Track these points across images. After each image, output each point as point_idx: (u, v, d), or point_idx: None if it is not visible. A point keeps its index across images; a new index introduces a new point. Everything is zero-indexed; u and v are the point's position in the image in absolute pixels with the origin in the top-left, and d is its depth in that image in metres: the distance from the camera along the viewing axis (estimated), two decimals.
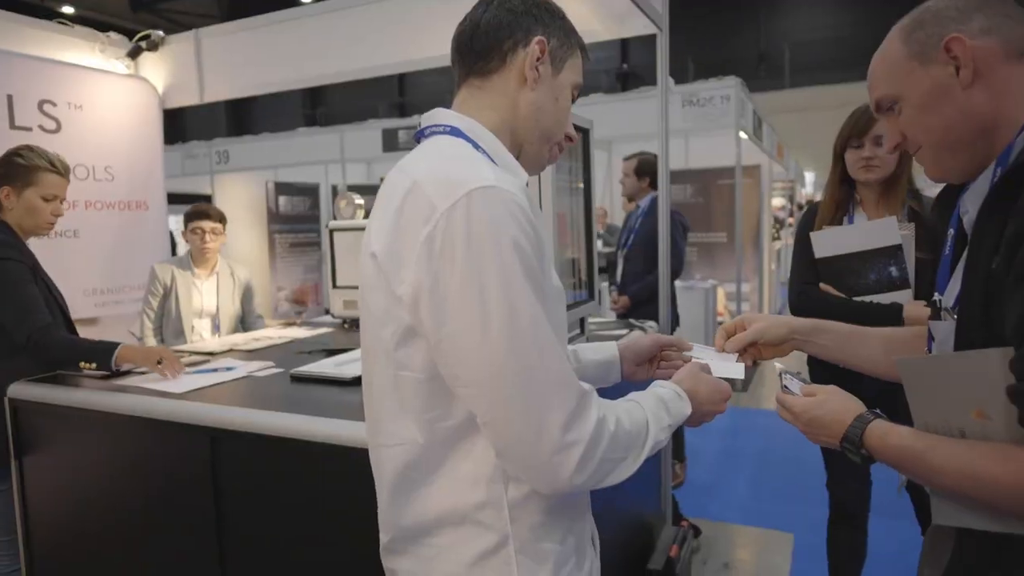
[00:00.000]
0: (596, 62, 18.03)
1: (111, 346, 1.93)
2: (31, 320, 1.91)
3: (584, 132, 1.98)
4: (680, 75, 13.97)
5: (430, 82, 17.16)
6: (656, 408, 0.96)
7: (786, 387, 1.05)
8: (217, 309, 3.15)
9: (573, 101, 1.06)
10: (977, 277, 0.82)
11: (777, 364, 1.13)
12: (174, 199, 5.42)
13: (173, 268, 3.09)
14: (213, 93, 3.53)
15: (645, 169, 3.97)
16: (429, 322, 0.83)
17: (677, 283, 5.90)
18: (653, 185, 4.03)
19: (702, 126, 5.63)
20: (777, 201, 12.43)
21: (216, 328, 3.15)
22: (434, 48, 2.83)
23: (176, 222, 3.89)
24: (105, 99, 3.35)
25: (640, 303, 3.73)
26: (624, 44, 17.48)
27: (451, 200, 0.81)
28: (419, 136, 1.00)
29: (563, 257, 2.05)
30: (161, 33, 3.60)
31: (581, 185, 2.02)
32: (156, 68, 3.63)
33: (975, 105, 0.86)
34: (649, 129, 6.11)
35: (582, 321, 2.03)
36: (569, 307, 1.92)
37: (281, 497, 1.54)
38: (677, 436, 3.81)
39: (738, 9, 18.11)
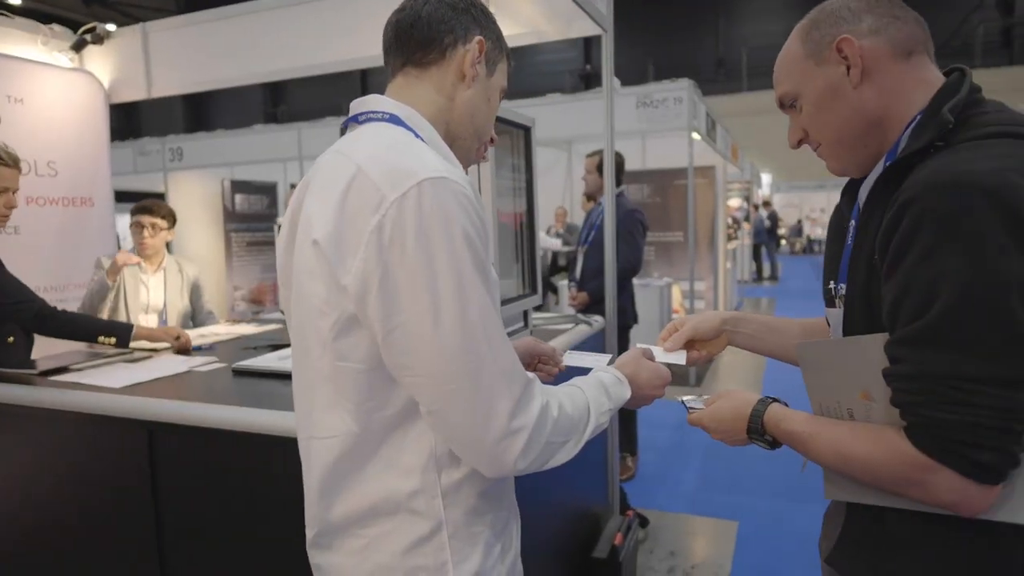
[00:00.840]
0: (559, 62, 18.17)
1: (127, 325, 2.19)
2: (34, 296, 2.04)
3: (525, 130, 2.03)
4: (640, 77, 14.17)
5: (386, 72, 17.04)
6: (597, 393, 1.00)
7: (691, 408, 1.09)
8: (164, 305, 3.11)
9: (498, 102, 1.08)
10: (860, 265, 0.88)
11: (679, 398, 1.16)
12: (125, 197, 5.31)
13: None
14: (161, 88, 3.48)
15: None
16: (378, 313, 0.82)
17: (634, 281, 6.04)
18: (617, 181, 4.11)
19: (656, 127, 5.74)
20: (734, 202, 12.70)
21: (163, 324, 3.11)
22: None
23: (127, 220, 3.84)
24: (48, 93, 3.27)
25: (599, 299, 3.78)
26: (587, 44, 17.65)
27: (401, 189, 0.81)
28: (352, 122, 0.99)
29: (507, 252, 2.09)
30: (106, 26, 3.53)
31: (524, 182, 2.06)
32: (102, 62, 3.56)
33: (865, 103, 0.90)
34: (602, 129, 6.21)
35: (525, 314, 2.07)
36: (512, 300, 1.97)
37: (221, 489, 1.54)
38: (629, 430, 3.88)
39: (698, 14, 18.45)
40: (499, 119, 1.90)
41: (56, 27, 3.52)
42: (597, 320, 2.61)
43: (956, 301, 0.73)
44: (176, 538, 1.60)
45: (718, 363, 6.74)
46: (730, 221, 10.74)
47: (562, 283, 6.54)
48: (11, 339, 2.25)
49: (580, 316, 2.64)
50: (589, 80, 17.94)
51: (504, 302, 1.93)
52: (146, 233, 3.00)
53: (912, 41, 0.90)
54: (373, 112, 0.97)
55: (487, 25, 1.02)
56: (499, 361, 0.83)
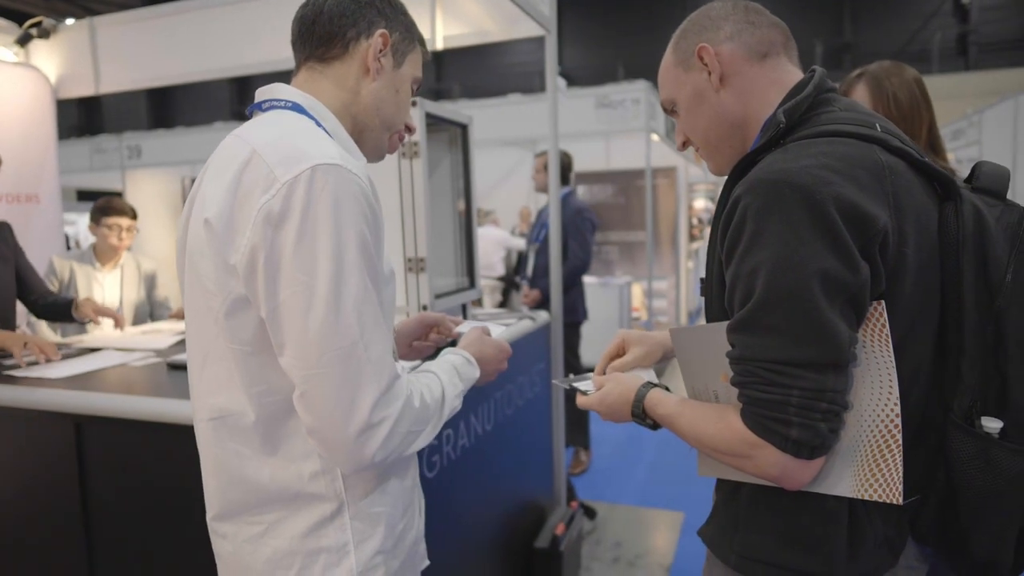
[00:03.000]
0: (528, 63, 18.26)
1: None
2: None
3: (463, 128, 2.06)
4: (610, 77, 14.30)
5: None
6: (451, 377, 1.04)
7: (578, 390, 1.12)
8: (120, 302, 3.09)
9: (414, 94, 1.10)
10: (713, 257, 0.93)
11: (554, 381, 1.19)
12: (86, 196, 5.21)
13: (72, 262, 3.01)
14: (110, 83, 3.44)
15: None
16: (261, 292, 0.83)
17: (592, 280, 6.11)
18: (564, 180, 4.17)
19: (614, 128, 5.82)
20: (700, 203, 12.88)
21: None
22: None
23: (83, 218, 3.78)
24: None
25: (549, 297, 3.85)
26: (561, 48, 17.76)
27: (293, 172, 0.81)
28: (255, 109, 0.99)
29: (445, 247, 2.13)
30: (53, 20, 3.48)
31: (462, 179, 2.10)
32: (48, 57, 3.51)
33: (726, 106, 0.96)
34: (570, 128, 6.25)
35: (464, 308, 2.11)
36: (450, 293, 2.00)
37: (149, 481, 1.55)
38: (583, 425, 3.94)
39: (666, 15, 18.65)
40: (437, 118, 1.93)
41: (1, 21, 3.46)
42: (541, 315, 2.66)
43: (768, 290, 0.78)
44: (104, 531, 1.60)
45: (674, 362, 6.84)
46: (695, 222, 10.91)
47: (523, 280, 6.60)
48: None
49: (525, 311, 2.68)
50: (567, 82, 18.02)
51: (441, 296, 1.97)
52: (124, 236, 2.98)
53: (766, 44, 0.95)
54: (276, 100, 0.97)
55: (393, 17, 1.02)
56: (370, 350, 0.84)
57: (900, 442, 0.80)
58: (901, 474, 0.80)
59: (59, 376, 1.75)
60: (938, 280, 0.85)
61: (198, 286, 0.91)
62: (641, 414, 1.01)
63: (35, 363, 1.90)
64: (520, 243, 7.79)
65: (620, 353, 1.20)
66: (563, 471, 2.85)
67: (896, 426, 0.80)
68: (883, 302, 0.80)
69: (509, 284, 6.92)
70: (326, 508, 0.93)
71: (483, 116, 8.30)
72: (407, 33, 1.05)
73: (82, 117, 18.56)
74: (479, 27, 2.78)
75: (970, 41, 14.91)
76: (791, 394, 0.77)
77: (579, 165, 7.57)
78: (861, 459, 0.82)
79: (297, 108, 0.96)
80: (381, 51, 1.00)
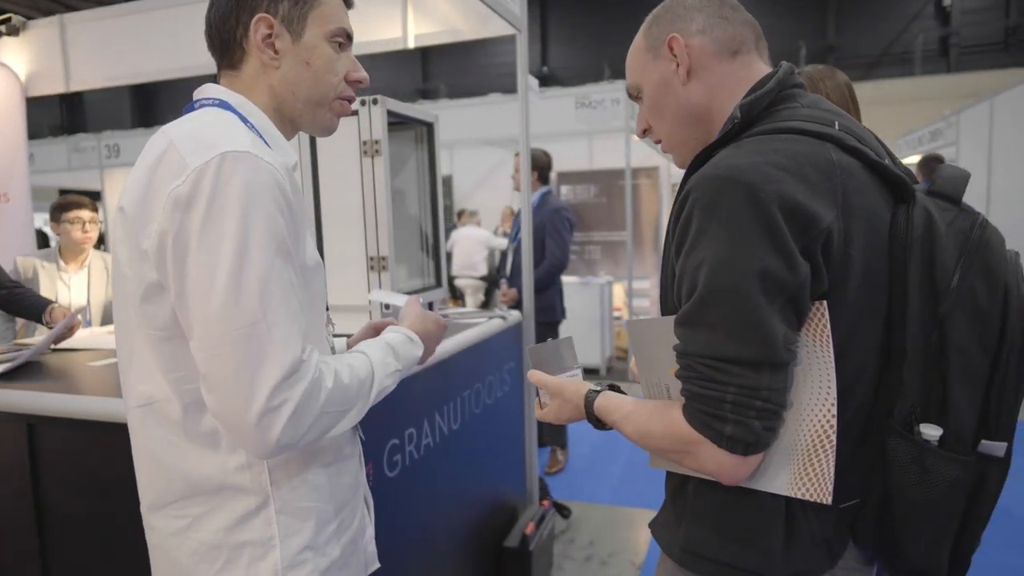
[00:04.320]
0: (515, 64, 18.25)
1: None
2: None
3: (428, 126, 2.06)
4: (596, 77, 14.33)
5: None
6: (384, 356, 1.01)
7: (544, 402, 1.11)
8: (88, 303, 3.05)
9: (344, 47, 1.03)
10: (668, 252, 0.93)
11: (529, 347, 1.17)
12: (63, 195, 5.17)
13: (37, 261, 2.97)
14: (80, 81, 3.41)
15: (533, 164, 4.10)
16: (171, 274, 0.84)
17: (574, 279, 6.13)
18: (542, 180, 4.18)
19: (594, 128, 5.84)
20: None
21: (87, 323, 3.05)
22: (384, 31, 2.83)
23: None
24: None
25: (522, 296, 3.85)
26: (544, 45, 17.77)
27: (204, 159, 0.82)
28: (188, 109, 0.99)
29: (412, 245, 2.12)
30: (22, 18, 3.44)
31: (428, 177, 2.10)
32: (18, 54, 3.47)
33: (692, 99, 0.95)
34: (551, 128, 6.25)
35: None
36: (418, 292, 2.00)
37: (104, 481, 1.53)
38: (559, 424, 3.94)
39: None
40: (402, 116, 1.93)
41: None
42: (513, 315, 2.66)
43: (708, 287, 0.79)
44: (58, 531, 1.58)
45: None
46: None
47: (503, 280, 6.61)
48: None
49: (498, 311, 2.68)
50: (545, 81, 18.07)
51: (408, 294, 1.96)
52: (88, 228, 2.94)
53: (737, 41, 0.95)
54: (206, 99, 0.98)
55: None
56: (273, 331, 0.82)
57: (834, 443, 0.80)
58: (832, 475, 0.80)
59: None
60: (886, 283, 0.84)
61: (117, 273, 0.92)
62: (594, 420, 1.01)
63: None
64: (502, 243, 7.80)
65: None
66: (536, 470, 2.85)
67: (832, 427, 0.80)
68: (825, 302, 0.80)
69: (492, 284, 6.93)
70: (251, 501, 0.92)
71: (466, 116, 8.30)
72: None
73: (64, 117, 18.37)
74: (451, 26, 2.78)
75: (951, 43, 15.06)
76: (727, 391, 0.78)
77: (562, 165, 7.59)
78: (798, 458, 0.82)
79: (224, 105, 0.96)
80: (268, 36, 0.97)
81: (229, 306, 0.81)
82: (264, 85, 0.99)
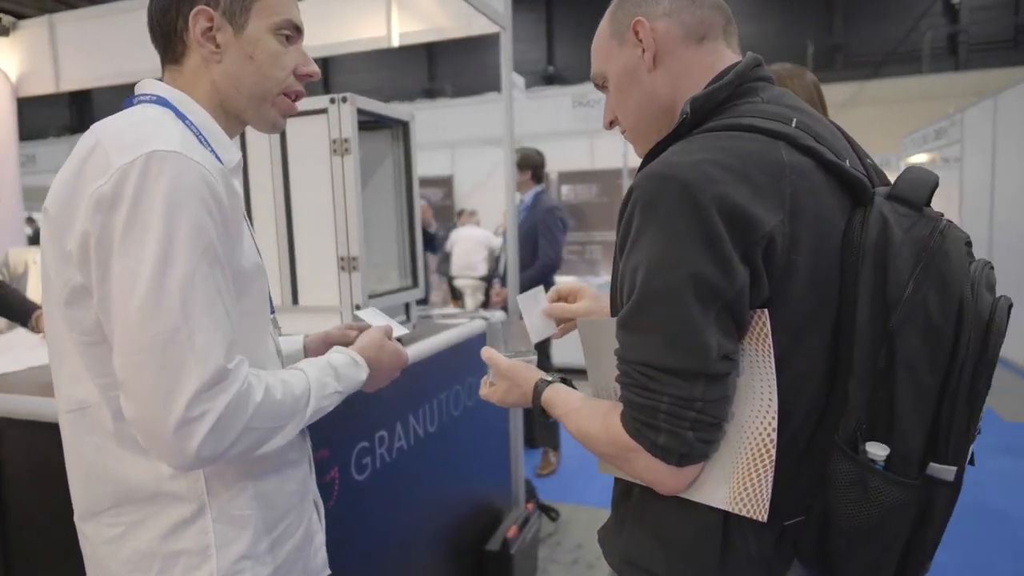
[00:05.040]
0: (523, 63, 18.26)
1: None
2: None
3: (404, 125, 2.04)
4: None
5: (358, 67, 16.90)
6: (322, 375, 0.99)
7: (491, 381, 1.09)
8: None
9: (292, 40, 1.00)
10: (617, 251, 0.91)
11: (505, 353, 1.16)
12: None
13: (29, 256, 2.97)
14: (69, 81, 3.42)
15: (525, 163, 4.08)
16: (94, 278, 0.82)
17: (574, 279, 6.09)
18: (535, 179, 4.15)
19: (592, 127, 5.80)
20: None
21: None
22: (368, 29, 2.81)
23: None
24: None
25: (508, 296, 3.83)
26: (550, 45, 17.74)
27: (129, 158, 0.80)
28: (127, 105, 0.95)
29: (388, 245, 2.10)
30: (12, 19, 3.45)
31: (404, 176, 2.07)
32: (8, 55, 3.48)
33: (658, 87, 0.90)
34: (550, 127, 6.22)
35: (407, 306, 2.08)
36: (388, 293, 1.97)
37: (65, 482, 1.52)
38: (552, 425, 3.91)
39: None
40: (377, 116, 1.90)
41: None
42: (496, 315, 2.63)
43: (643, 291, 0.75)
44: (22, 534, 1.57)
45: None
46: None
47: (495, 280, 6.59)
48: None
49: (484, 312, 2.66)
50: (551, 81, 18.01)
51: (383, 294, 1.94)
52: None
53: (705, 26, 0.89)
54: (144, 94, 0.95)
55: None
56: (195, 338, 0.79)
57: (773, 458, 0.76)
58: (769, 492, 0.77)
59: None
60: (836, 291, 0.79)
61: (45, 275, 0.90)
62: (540, 412, 0.98)
63: None
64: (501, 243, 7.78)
65: (571, 300, 1.20)
66: (521, 472, 2.82)
67: (771, 441, 0.76)
68: (766, 311, 0.75)
69: (491, 284, 6.90)
70: (186, 509, 0.90)
71: (466, 115, 8.28)
72: None
73: (73, 117, 18.50)
74: (435, 24, 2.76)
75: (960, 41, 14.91)
76: (661, 400, 0.75)
77: (563, 164, 7.55)
78: (738, 472, 0.79)
79: (161, 101, 0.93)
80: (208, 30, 0.93)
81: (149, 311, 0.78)
82: (206, 80, 0.96)
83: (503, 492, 2.71)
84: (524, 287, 3.76)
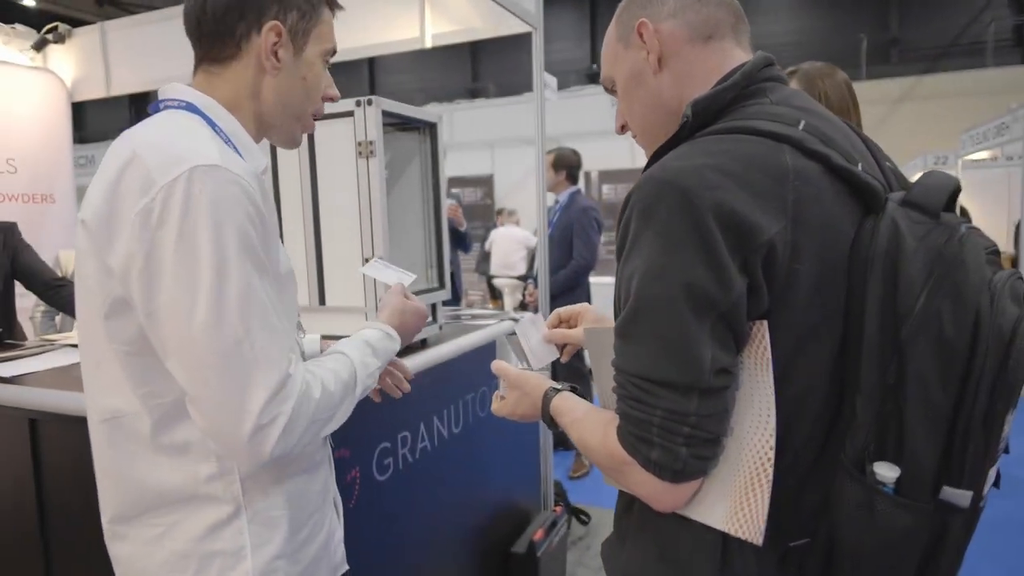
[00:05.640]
0: (566, 62, 18.17)
1: None
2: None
3: (431, 126, 2.04)
4: None
5: (403, 67, 17.10)
6: (363, 356, 1.02)
7: (502, 395, 1.08)
8: None
9: (327, 64, 1.03)
10: (617, 255, 0.88)
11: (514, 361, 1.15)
12: None
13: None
14: (119, 86, 3.55)
15: (561, 163, 4.07)
16: (141, 293, 0.82)
17: (608, 280, 6.02)
18: (571, 179, 4.13)
19: None
20: None
21: None
22: (402, 31, 2.85)
23: None
24: (7, 91, 3.35)
25: (555, 295, 3.80)
26: (594, 44, 17.61)
27: (171, 175, 0.80)
28: (154, 110, 0.96)
29: (415, 246, 2.11)
30: (68, 26, 3.60)
31: (431, 177, 2.08)
32: (64, 61, 3.63)
33: (664, 89, 0.87)
34: (594, 127, 6.16)
35: (433, 307, 2.09)
36: (420, 293, 1.98)
37: None
38: None
39: None
40: (404, 118, 1.91)
41: (19, 27, 3.59)
42: (526, 316, 2.62)
43: (637, 300, 0.73)
44: (60, 527, 1.63)
45: None
46: None
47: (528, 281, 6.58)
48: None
49: (511, 313, 2.65)
50: (595, 78, 17.88)
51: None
52: None
53: (711, 24, 0.86)
54: (171, 100, 0.94)
55: None
56: (256, 347, 0.82)
57: (771, 477, 0.73)
58: (765, 513, 0.73)
59: (9, 374, 1.78)
60: (842, 302, 0.75)
61: (81, 285, 0.91)
62: (550, 423, 0.96)
63: None
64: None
65: (572, 324, 1.17)
66: (551, 475, 2.80)
67: (768, 460, 0.73)
68: (765, 322, 0.72)
69: (527, 283, 6.90)
70: (222, 511, 0.92)
71: (506, 115, 8.28)
72: (308, 7, 0.97)
73: (132, 120, 19.15)
74: (467, 25, 2.76)
75: None
76: (654, 414, 0.72)
77: (604, 163, 7.48)
78: (736, 490, 0.75)
79: (191, 108, 0.93)
80: (275, 44, 0.94)
81: (211, 328, 0.80)
82: (249, 88, 0.96)
83: (531, 494, 2.70)
84: (558, 288, 3.76)
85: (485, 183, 9.08)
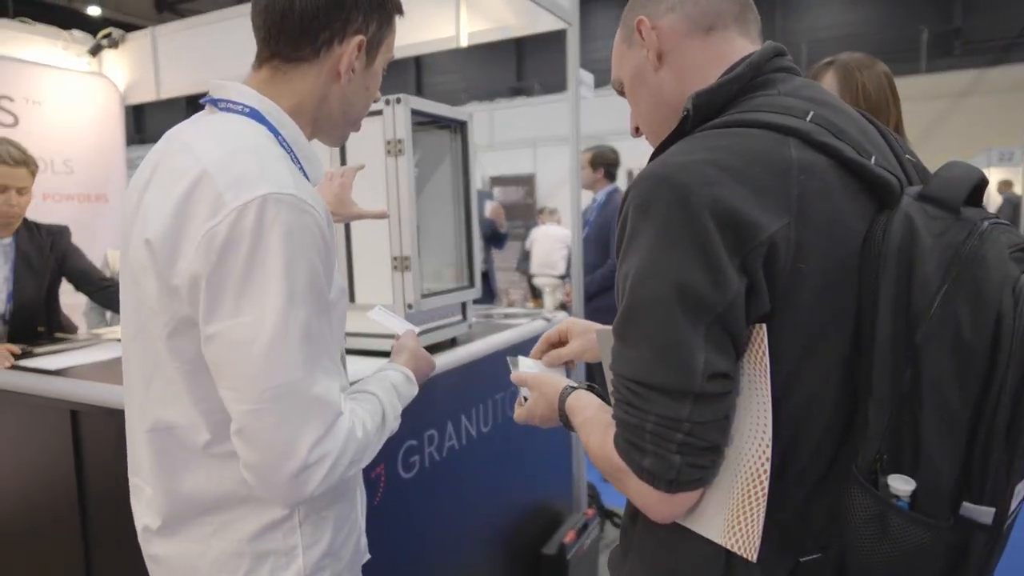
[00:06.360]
0: (599, 61, 18.01)
1: None
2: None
3: (461, 124, 2.04)
4: None
5: (448, 67, 17.23)
6: (390, 398, 1.02)
7: (524, 399, 1.06)
8: None
9: (386, 73, 1.03)
10: (616, 253, 0.85)
11: (524, 367, 1.12)
12: None
13: None
14: (169, 89, 3.66)
15: (598, 161, 4.02)
16: (203, 317, 0.80)
17: None
18: (608, 177, 4.08)
19: None
20: None
21: None
22: (438, 30, 2.88)
23: None
24: (64, 95, 3.49)
25: (592, 295, 3.76)
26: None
27: (243, 200, 0.78)
28: (212, 104, 0.93)
29: (446, 245, 2.11)
30: (122, 31, 3.73)
31: (462, 175, 2.08)
32: (118, 65, 3.77)
33: (665, 86, 0.85)
34: (625, 126, 6.10)
35: (463, 306, 2.09)
36: (441, 293, 1.98)
37: None
38: None
39: (756, 8, 17.85)
40: (434, 116, 1.92)
41: (77, 32, 3.75)
42: (559, 316, 2.59)
43: (631, 300, 0.70)
44: (100, 517, 1.68)
45: None
46: None
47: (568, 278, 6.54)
48: (41, 328, 2.44)
49: (546, 314, 2.63)
50: None
51: (429, 295, 1.95)
52: None
53: (712, 15, 0.83)
54: (233, 103, 0.91)
55: (370, 7, 0.93)
56: (314, 389, 0.81)
57: (766, 489, 0.69)
58: (760, 528, 0.69)
59: (55, 367, 1.85)
60: (853, 303, 0.70)
61: (142, 304, 0.89)
62: (567, 423, 0.94)
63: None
64: None
65: (562, 341, 1.13)
66: (583, 477, 2.77)
67: (764, 471, 0.69)
68: (764, 326, 0.68)
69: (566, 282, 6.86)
70: (277, 511, 0.92)
71: (547, 113, 8.22)
72: (384, 15, 0.96)
73: (176, 121, 19.87)
74: (502, 23, 2.75)
75: None
76: (647, 419, 0.69)
77: (645, 161, 7.37)
78: (733, 502, 0.72)
79: (254, 115, 0.90)
80: (356, 57, 0.94)
81: (272, 363, 0.79)
82: (315, 93, 0.94)
83: (564, 496, 2.67)
84: (596, 287, 3.72)
85: (527, 182, 9.07)
